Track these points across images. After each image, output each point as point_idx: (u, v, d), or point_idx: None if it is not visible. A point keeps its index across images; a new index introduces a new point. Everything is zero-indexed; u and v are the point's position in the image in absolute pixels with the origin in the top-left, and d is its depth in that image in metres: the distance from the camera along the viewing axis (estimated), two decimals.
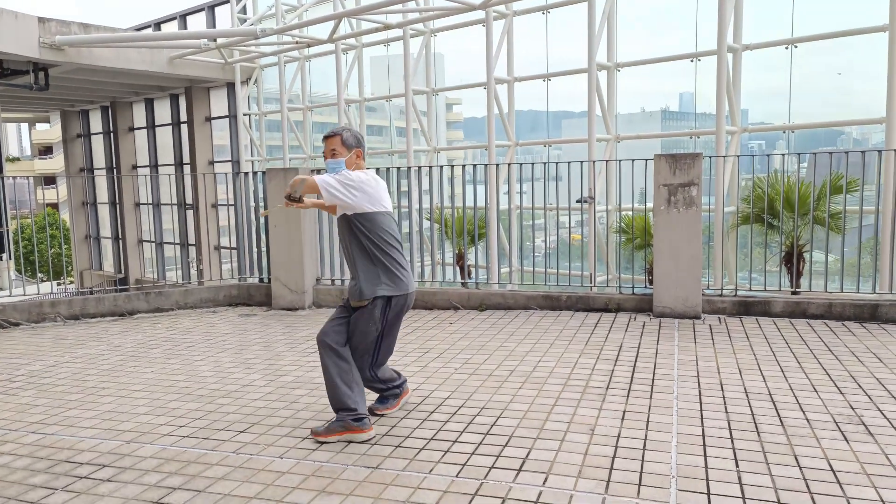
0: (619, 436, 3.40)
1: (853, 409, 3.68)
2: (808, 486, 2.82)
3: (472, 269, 10.86)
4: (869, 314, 5.50)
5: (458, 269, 10.99)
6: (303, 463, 3.21)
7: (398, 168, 7.52)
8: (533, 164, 7.27)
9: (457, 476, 3.01)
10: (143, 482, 3.06)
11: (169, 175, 11.90)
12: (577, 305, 6.28)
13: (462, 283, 8.53)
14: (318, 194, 3.42)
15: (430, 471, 3.08)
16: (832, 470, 2.97)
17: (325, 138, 3.61)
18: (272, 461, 3.24)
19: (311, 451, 3.33)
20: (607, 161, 11.30)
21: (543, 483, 2.92)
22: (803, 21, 10.94)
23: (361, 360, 3.64)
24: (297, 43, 15.33)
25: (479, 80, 13.84)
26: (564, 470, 3.04)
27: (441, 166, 7.40)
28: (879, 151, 6.96)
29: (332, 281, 7.19)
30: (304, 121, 17.55)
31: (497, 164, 11.19)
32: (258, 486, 2.97)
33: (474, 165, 8.23)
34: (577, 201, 9.37)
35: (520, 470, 3.06)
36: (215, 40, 15.75)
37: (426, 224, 9.88)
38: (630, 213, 10.62)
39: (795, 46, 10.79)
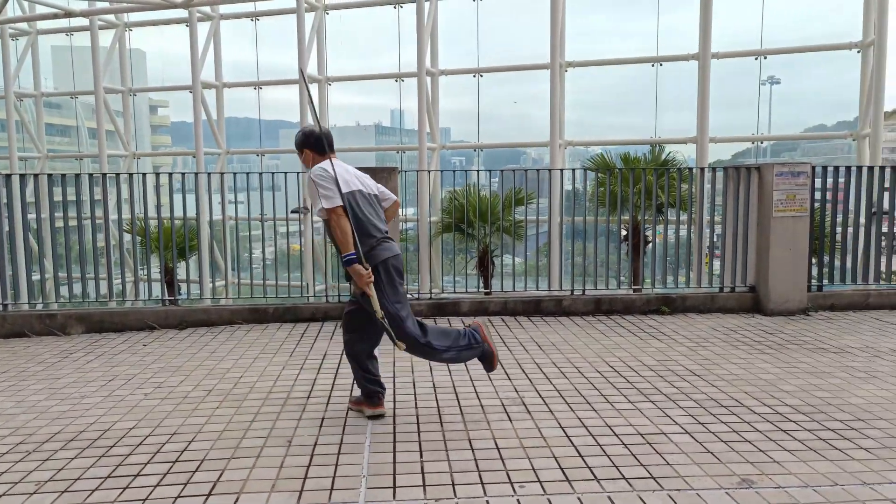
0: (315, 443, 3.46)
1: (517, 392, 4.27)
2: (477, 466, 3.19)
3: (182, 285, 10.09)
4: (534, 308, 6.45)
5: (165, 285, 10.12)
6: None
7: (90, 174, 6.72)
8: (235, 173, 7.07)
9: None
10: None
11: None
12: (286, 317, 6.24)
13: (171, 300, 7.85)
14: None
15: None
16: (497, 448, 3.40)
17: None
18: None
19: None
20: None
21: None
22: (487, 54, 12.48)
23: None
24: None
25: (185, 82, 12.98)
26: (258, 486, 2.99)
27: (144, 174, 6.73)
28: (548, 170, 8.24)
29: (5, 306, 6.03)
30: None
31: (209, 173, 10.63)
32: None
33: (183, 174, 7.75)
34: (292, 211, 9.33)
35: (209, 494, 2.92)
36: None
37: (126, 237, 8.89)
38: None
39: (481, 75, 12.23)
